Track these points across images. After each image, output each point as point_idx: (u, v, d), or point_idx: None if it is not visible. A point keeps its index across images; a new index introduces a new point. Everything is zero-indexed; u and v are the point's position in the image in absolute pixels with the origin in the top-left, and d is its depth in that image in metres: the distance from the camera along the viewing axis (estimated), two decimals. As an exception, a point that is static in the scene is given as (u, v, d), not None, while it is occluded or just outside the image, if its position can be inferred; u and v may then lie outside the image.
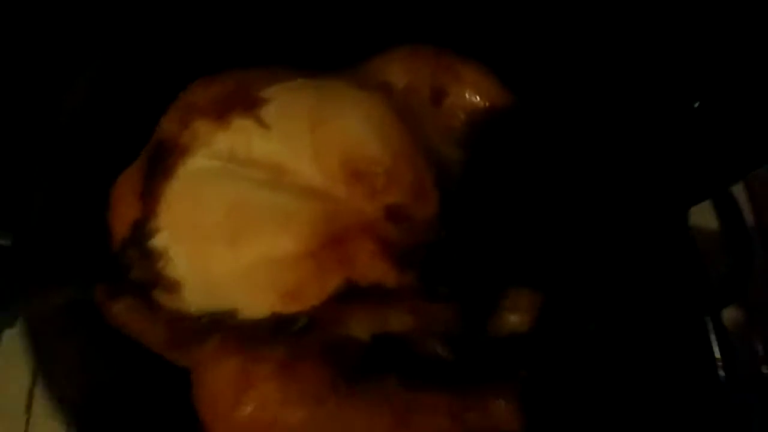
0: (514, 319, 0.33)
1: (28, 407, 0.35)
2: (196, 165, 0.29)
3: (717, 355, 0.30)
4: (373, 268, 0.27)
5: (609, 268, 0.34)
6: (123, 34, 0.34)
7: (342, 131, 0.29)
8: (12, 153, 0.34)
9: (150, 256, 0.28)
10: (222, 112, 0.30)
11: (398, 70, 0.33)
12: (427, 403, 0.26)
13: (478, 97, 0.32)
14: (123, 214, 0.30)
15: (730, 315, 0.39)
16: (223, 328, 0.28)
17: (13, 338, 0.37)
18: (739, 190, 0.43)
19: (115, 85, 0.34)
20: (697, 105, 0.33)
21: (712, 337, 0.30)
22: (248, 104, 0.30)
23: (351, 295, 0.27)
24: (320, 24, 0.36)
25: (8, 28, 0.37)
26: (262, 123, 0.29)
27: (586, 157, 0.35)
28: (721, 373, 0.30)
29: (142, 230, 0.29)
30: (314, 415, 0.25)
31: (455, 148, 0.34)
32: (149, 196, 0.29)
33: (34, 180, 0.31)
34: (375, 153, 0.29)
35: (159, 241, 0.28)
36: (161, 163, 0.30)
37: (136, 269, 0.29)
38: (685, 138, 0.34)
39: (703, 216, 0.39)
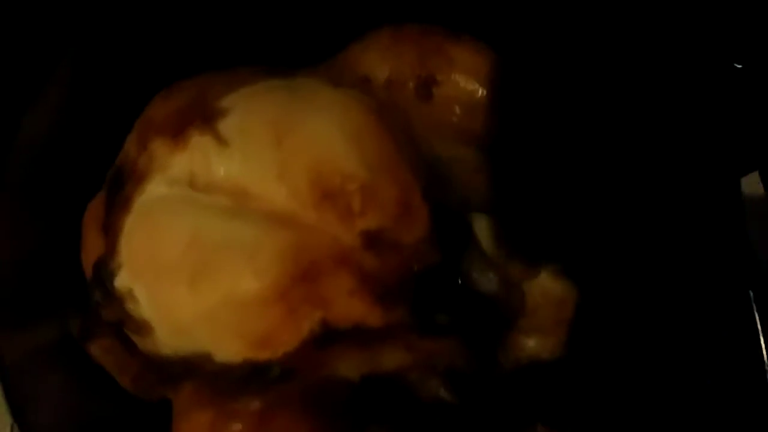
0: (533, 344, 0.28)
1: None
2: (153, 193, 0.26)
3: (760, 328, 0.28)
4: (352, 307, 0.23)
5: (653, 249, 0.30)
6: (93, 35, 0.31)
7: (311, 143, 0.25)
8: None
9: (116, 297, 0.26)
10: (179, 129, 0.26)
11: (378, 60, 0.27)
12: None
13: (474, 84, 0.27)
14: (89, 250, 0.28)
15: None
16: (198, 374, 0.25)
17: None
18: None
19: (83, 100, 0.31)
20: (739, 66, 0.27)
21: (756, 312, 0.28)
22: (206, 117, 0.26)
23: (331, 338, 0.24)
24: (295, 9, 0.31)
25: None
26: (221, 139, 0.25)
27: (621, 129, 0.30)
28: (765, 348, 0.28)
29: (105, 268, 0.26)
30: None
31: (454, 146, 0.28)
32: (110, 229, 0.26)
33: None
34: (349, 167, 0.24)
35: (121, 280, 0.26)
36: (120, 191, 0.27)
37: (105, 310, 0.26)
38: (729, 102, 0.28)
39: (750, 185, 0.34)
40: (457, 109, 0.27)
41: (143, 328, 0.26)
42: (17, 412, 0.26)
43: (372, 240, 0.24)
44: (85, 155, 0.31)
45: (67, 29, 0.31)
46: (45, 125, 0.31)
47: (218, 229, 0.24)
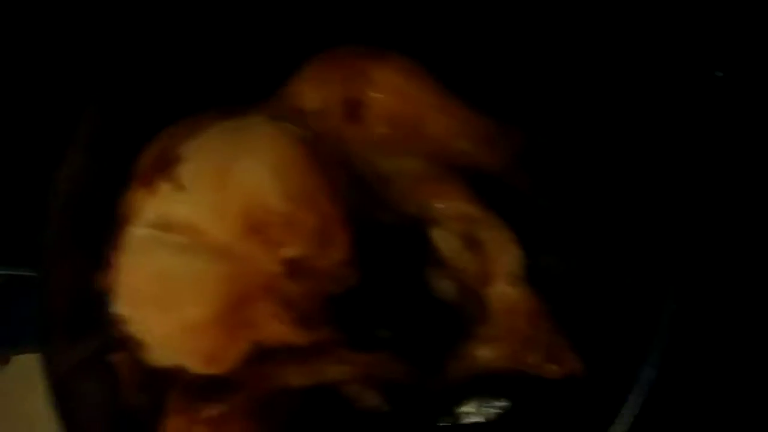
0: (487, 354, 0.28)
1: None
2: (134, 234, 0.31)
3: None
4: (276, 330, 0.26)
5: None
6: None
7: (243, 181, 0.28)
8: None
9: (119, 320, 0.32)
10: (150, 180, 0.31)
11: (309, 91, 0.29)
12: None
13: (394, 99, 0.27)
14: (100, 281, 0.34)
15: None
16: (181, 383, 0.30)
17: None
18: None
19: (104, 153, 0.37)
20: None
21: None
22: (168, 165, 0.30)
23: (267, 355, 0.27)
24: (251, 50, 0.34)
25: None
26: (178, 184, 0.29)
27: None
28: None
29: (109, 296, 0.32)
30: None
31: (394, 160, 0.29)
32: (109, 265, 0.32)
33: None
34: (273, 201, 0.27)
35: (119, 307, 0.31)
36: (115, 233, 0.32)
37: (114, 329, 0.32)
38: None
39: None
40: (386, 127, 0.28)
41: (140, 345, 0.31)
42: (64, 413, 0.33)
43: (293, 268, 0.26)
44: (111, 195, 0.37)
45: (84, 90, 0.37)
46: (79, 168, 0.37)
47: (176, 264, 0.28)
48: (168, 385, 0.31)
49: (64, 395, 0.33)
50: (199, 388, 0.29)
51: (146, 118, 0.36)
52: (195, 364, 0.28)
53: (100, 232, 0.37)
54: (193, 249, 0.28)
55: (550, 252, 0.31)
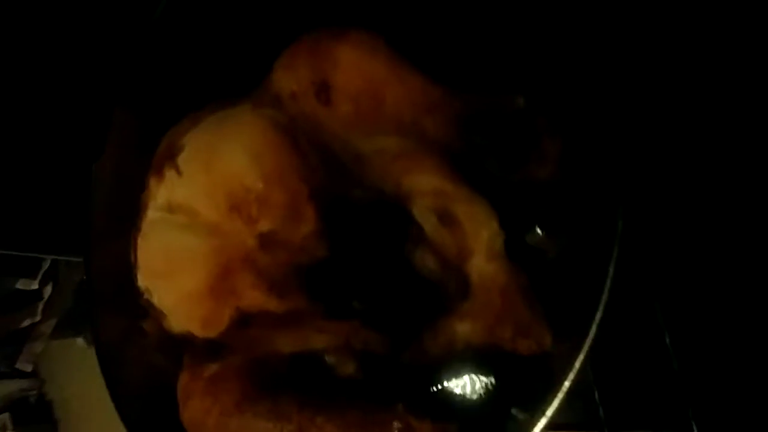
0: (464, 329, 0.29)
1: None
2: (149, 217, 0.35)
3: None
4: (254, 297, 0.29)
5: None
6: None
7: (226, 165, 0.31)
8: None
9: (141, 292, 0.36)
10: (160, 168, 0.35)
11: (283, 77, 0.31)
12: (317, 425, 0.27)
13: (357, 77, 0.29)
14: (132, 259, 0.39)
15: None
16: (191, 346, 0.34)
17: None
18: None
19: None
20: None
21: None
22: (172, 155, 0.34)
23: (249, 321, 0.30)
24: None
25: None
26: (179, 171, 0.33)
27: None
28: None
29: (133, 273, 0.37)
30: (225, 425, 0.29)
31: (371, 139, 0.31)
32: (133, 246, 0.37)
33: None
34: (249, 181, 0.29)
35: (140, 281, 0.36)
36: (137, 217, 0.37)
37: (141, 300, 0.37)
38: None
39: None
40: (351, 104, 0.29)
41: (160, 313, 0.36)
42: (108, 375, 0.38)
43: (266, 241, 0.29)
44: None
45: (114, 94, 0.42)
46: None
47: (178, 241, 0.32)
48: (183, 348, 0.35)
49: (109, 360, 0.39)
50: (203, 351, 0.32)
51: (164, 116, 0.40)
52: (196, 329, 0.32)
53: (131, 217, 0.42)
54: (192, 227, 0.32)
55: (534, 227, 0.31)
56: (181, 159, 0.33)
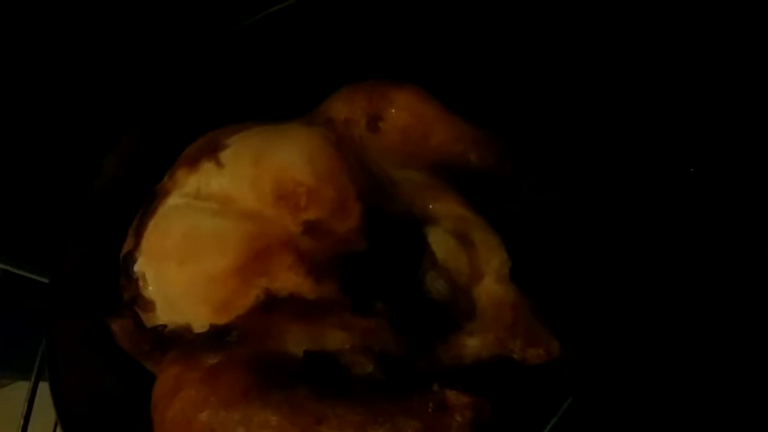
0: (474, 343, 0.31)
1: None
2: (170, 203, 0.35)
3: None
4: (289, 278, 0.29)
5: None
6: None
7: (277, 161, 0.33)
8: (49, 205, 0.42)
9: (133, 280, 0.34)
10: (195, 160, 0.36)
11: (339, 106, 0.36)
12: (337, 415, 0.26)
13: (409, 115, 0.35)
14: (124, 249, 0.37)
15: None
16: (180, 343, 0.31)
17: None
18: None
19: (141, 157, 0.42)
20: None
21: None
22: (214, 150, 0.35)
23: (274, 305, 0.29)
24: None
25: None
26: (219, 163, 0.34)
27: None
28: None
29: (130, 257, 0.35)
30: (225, 419, 0.27)
31: (403, 169, 0.35)
32: (138, 231, 0.35)
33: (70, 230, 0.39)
34: (301, 176, 0.32)
35: (139, 266, 0.34)
36: (150, 205, 0.36)
37: (125, 291, 0.35)
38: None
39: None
40: (400, 135, 0.35)
41: (149, 304, 0.33)
42: (54, 378, 0.33)
43: (311, 228, 0.30)
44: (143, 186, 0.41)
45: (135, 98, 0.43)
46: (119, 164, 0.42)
47: (205, 224, 0.32)
48: (168, 345, 0.32)
49: (59, 362, 0.34)
50: (198, 344, 0.30)
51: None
52: (205, 314, 0.30)
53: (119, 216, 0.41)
54: (223, 213, 0.32)
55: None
56: (224, 154, 0.35)
